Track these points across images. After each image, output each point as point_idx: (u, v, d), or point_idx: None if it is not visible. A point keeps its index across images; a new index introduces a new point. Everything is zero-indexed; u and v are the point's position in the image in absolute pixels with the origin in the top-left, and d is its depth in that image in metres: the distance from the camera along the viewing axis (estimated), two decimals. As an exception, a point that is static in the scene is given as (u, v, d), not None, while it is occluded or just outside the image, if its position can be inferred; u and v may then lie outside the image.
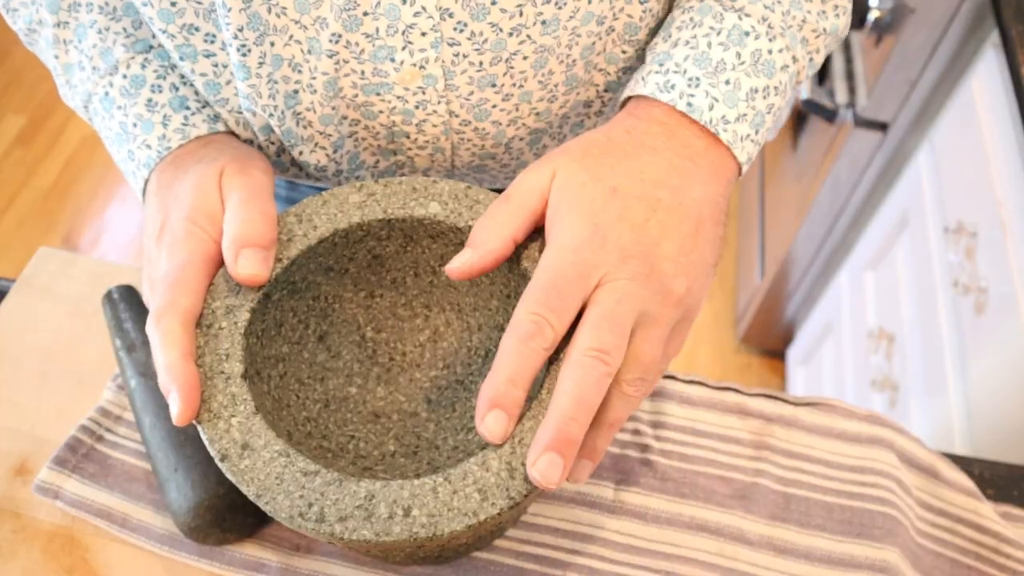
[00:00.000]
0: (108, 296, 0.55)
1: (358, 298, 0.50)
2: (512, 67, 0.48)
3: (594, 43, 0.50)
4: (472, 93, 0.49)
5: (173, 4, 0.46)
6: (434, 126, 0.51)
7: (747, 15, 0.47)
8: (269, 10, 0.45)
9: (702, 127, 0.45)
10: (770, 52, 0.47)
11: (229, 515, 0.47)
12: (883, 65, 1.13)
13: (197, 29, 0.48)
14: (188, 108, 0.50)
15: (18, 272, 0.62)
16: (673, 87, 0.45)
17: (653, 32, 0.53)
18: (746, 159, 0.46)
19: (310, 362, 0.48)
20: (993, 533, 0.52)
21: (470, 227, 0.46)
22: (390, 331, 0.51)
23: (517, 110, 0.52)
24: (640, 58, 0.54)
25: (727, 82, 0.46)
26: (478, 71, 0.48)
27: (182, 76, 0.51)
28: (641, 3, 0.50)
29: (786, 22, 0.48)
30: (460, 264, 0.42)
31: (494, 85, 0.49)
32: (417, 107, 0.50)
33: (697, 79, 0.45)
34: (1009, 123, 0.90)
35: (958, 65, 1.05)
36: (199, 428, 0.39)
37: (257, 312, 0.43)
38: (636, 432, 0.54)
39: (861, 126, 1.20)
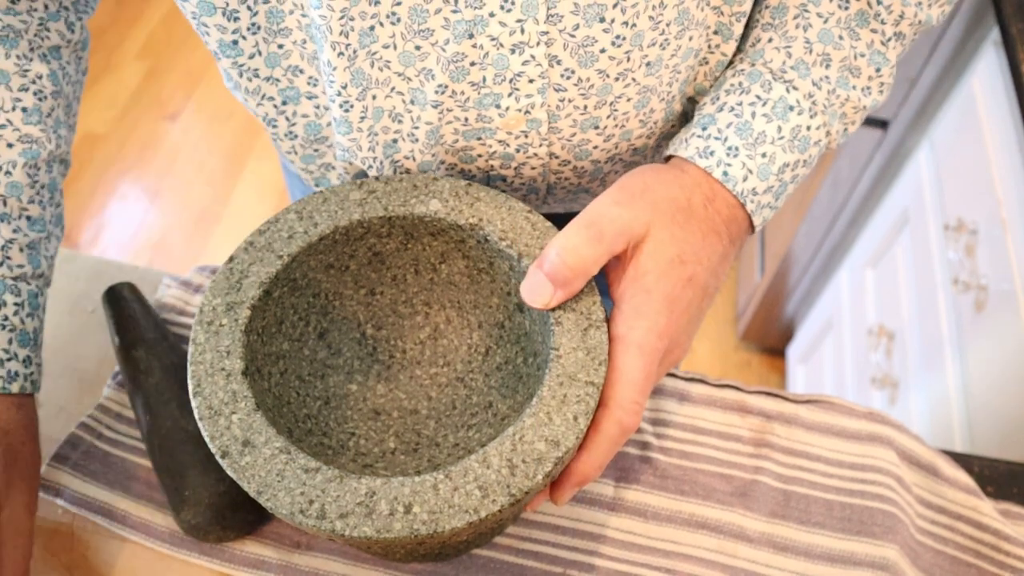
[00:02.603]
0: (108, 293, 0.55)
1: (358, 295, 0.50)
2: (616, 109, 0.49)
3: (688, 75, 0.51)
4: (575, 135, 0.50)
5: (280, 47, 0.47)
6: (532, 168, 0.51)
7: (795, 88, 0.48)
8: (372, 64, 0.45)
9: (733, 194, 0.47)
10: (808, 128, 0.49)
11: (229, 512, 0.47)
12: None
13: (301, 71, 0.48)
14: None
15: (18, 269, 0.62)
16: (712, 153, 0.47)
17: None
18: (760, 222, 0.49)
19: (311, 359, 0.48)
20: (993, 530, 0.52)
21: (471, 224, 0.46)
22: (390, 328, 0.51)
23: (616, 148, 0.52)
24: None
25: (764, 155, 0.47)
26: (582, 114, 0.48)
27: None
28: (736, 41, 0.50)
29: (830, 100, 0.49)
30: (552, 302, 0.42)
31: (597, 127, 0.50)
32: (518, 150, 0.50)
33: (736, 149, 0.47)
34: (1009, 121, 0.90)
35: (958, 63, 1.05)
36: (200, 425, 0.39)
37: (258, 309, 0.43)
38: (636, 430, 0.54)
39: (861, 123, 1.20)
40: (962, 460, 0.56)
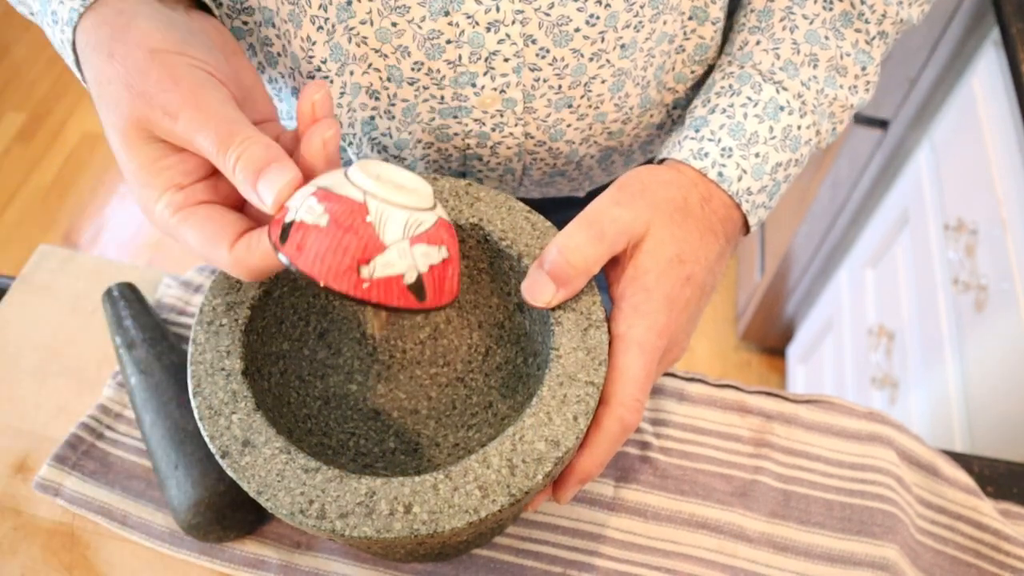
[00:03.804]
0: (108, 293, 0.55)
1: (358, 295, 0.50)
2: (590, 90, 0.49)
3: (664, 62, 0.51)
4: (549, 115, 0.50)
5: (244, 24, 0.47)
6: (508, 148, 0.52)
7: (784, 89, 0.49)
8: (349, 40, 0.45)
9: (728, 194, 0.47)
10: (799, 128, 0.49)
11: (229, 512, 0.47)
12: (883, 62, 1.13)
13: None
14: None
15: (18, 270, 0.62)
16: (706, 155, 0.47)
17: (721, 49, 0.54)
18: (755, 222, 0.49)
19: (310, 359, 0.48)
20: (993, 530, 0.52)
21: (471, 224, 0.46)
22: (390, 328, 0.51)
23: (591, 129, 0.53)
24: (708, 75, 0.55)
25: (757, 155, 0.48)
26: (556, 94, 0.49)
27: None
28: (713, 23, 0.51)
29: (819, 100, 0.50)
30: (553, 301, 0.42)
31: (570, 106, 0.50)
32: (494, 129, 0.50)
33: (730, 149, 0.47)
34: (1009, 121, 0.90)
35: (958, 63, 1.05)
36: (200, 425, 0.39)
37: (258, 309, 0.43)
38: (636, 429, 0.54)
39: (861, 123, 1.20)
40: (962, 460, 0.56)
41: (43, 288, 0.61)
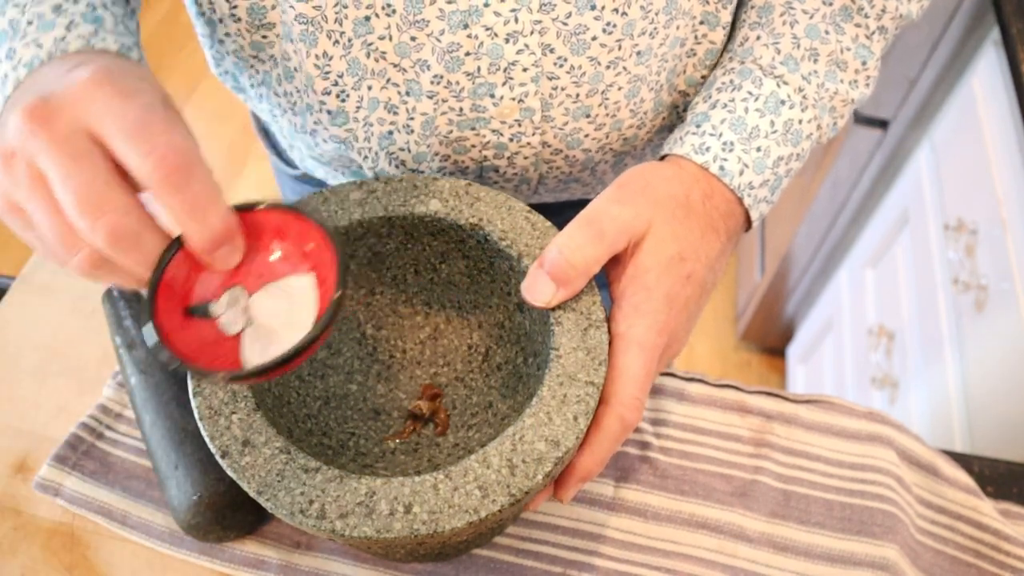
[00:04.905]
0: (108, 293, 0.55)
1: (358, 295, 0.50)
2: (607, 98, 0.50)
3: (676, 66, 0.52)
4: (567, 124, 0.50)
5: (264, 37, 0.47)
6: (525, 158, 0.52)
7: (785, 83, 0.49)
8: (368, 55, 0.45)
9: (730, 189, 0.47)
10: (800, 122, 0.49)
11: (229, 512, 0.47)
12: (883, 59, 1.13)
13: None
14: (101, 24, 0.41)
15: (18, 270, 0.62)
16: (708, 149, 0.47)
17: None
18: (757, 217, 0.49)
19: (310, 359, 0.48)
20: (992, 530, 0.52)
21: (471, 224, 0.46)
22: (390, 328, 0.51)
23: (607, 137, 0.53)
24: None
25: (758, 149, 0.48)
26: (574, 102, 0.49)
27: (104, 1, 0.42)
28: (723, 28, 0.51)
29: (819, 94, 0.50)
30: (553, 301, 0.42)
31: (588, 115, 0.50)
32: (511, 139, 0.50)
33: (731, 144, 0.47)
34: (1009, 121, 0.90)
35: (958, 62, 1.05)
36: (200, 425, 0.39)
37: (257, 309, 0.43)
38: (636, 429, 0.54)
39: (861, 123, 1.20)
40: (962, 460, 0.56)
41: (43, 288, 0.61)
